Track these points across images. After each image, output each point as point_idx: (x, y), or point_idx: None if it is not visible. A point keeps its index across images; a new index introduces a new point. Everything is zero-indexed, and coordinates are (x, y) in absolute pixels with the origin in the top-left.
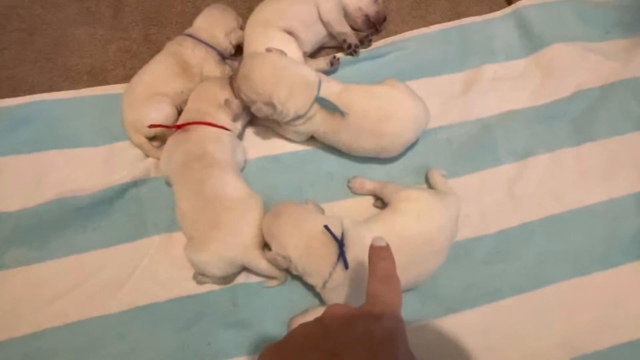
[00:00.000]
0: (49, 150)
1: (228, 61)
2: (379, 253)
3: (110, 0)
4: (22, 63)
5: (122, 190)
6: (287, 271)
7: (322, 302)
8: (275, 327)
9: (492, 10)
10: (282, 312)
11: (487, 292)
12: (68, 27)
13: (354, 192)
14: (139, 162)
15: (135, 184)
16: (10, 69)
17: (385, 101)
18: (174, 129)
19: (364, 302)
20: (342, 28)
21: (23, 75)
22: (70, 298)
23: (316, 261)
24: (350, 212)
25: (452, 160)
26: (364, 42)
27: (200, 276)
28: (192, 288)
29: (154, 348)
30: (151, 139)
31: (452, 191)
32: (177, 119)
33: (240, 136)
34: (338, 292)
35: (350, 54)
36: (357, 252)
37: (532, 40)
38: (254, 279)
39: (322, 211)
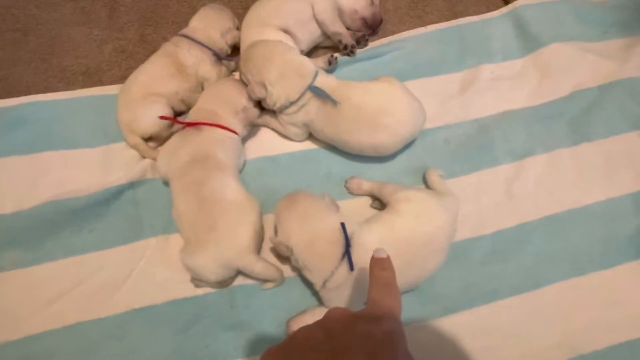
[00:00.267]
0: (45, 152)
1: (224, 62)
2: (380, 264)
3: (105, 0)
4: (16, 63)
5: (118, 192)
6: (282, 275)
7: (320, 303)
8: (274, 329)
9: (489, 10)
10: (280, 314)
11: (485, 292)
12: (63, 27)
13: (352, 193)
14: (135, 163)
15: (131, 185)
16: (4, 70)
17: (382, 96)
18: (176, 128)
19: (364, 307)
20: (337, 28)
21: (18, 75)
22: (67, 300)
23: (318, 258)
24: (348, 213)
25: (450, 161)
26: (361, 41)
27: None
28: (190, 290)
29: (152, 350)
30: (147, 139)
31: (451, 191)
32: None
33: (244, 139)
34: (337, 292)
35: (347, 55)
36: (360, 255)
37: (529, 40)
38: (251, 280)
39: (338, 207)
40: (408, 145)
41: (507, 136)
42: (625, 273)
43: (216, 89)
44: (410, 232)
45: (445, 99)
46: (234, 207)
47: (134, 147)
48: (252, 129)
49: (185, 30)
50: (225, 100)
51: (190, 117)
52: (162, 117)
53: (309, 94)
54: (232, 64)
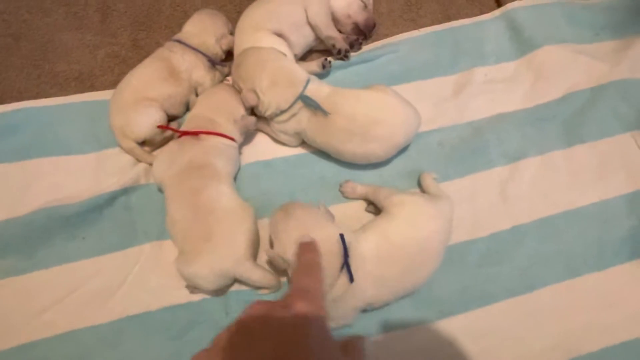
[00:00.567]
0: (37, 158)
1: (218, 67)
2: (305, 247)
3: (98, 4)
4: (8, 69)
5: (111, 198)
6: (279, 283)
7: None
8: None
9: (482, 12)
10: None
11: (481, 295)
12: (55, 32)
13: (346, 197)
14: (128, 169)
15: (124, 191)
16: None
17: (374, 106)
18: (170, 132)
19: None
20: (331, 32)
21: (9, 81)
22: (60, 308)
23: None
24: (343, 217)
25: (444, 164)
26: (355, 45)
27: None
28: (184, 296)
29: (147, 357)
30: (141, 144)
31: (445, 194)
32: (167, 124)
33: (240, 146)
34: (337, 304)
35: (341, 59)
36: (358, 265)
37: (522, 43)
38: (246, 286)
39: (333, 217)
40: (402, 148)
41: (501, 138)
42: (620, 274)
43: (215, 97)
44: (406, 238)
45: (439, 102)
46: (228, 216)
47: (128, 151)
48: (247, 134)
49: (179, 36)
50: (224, 109)
51: (187, 123)
52: (160, 127)
53: (300, 103)
54: (226, 69)
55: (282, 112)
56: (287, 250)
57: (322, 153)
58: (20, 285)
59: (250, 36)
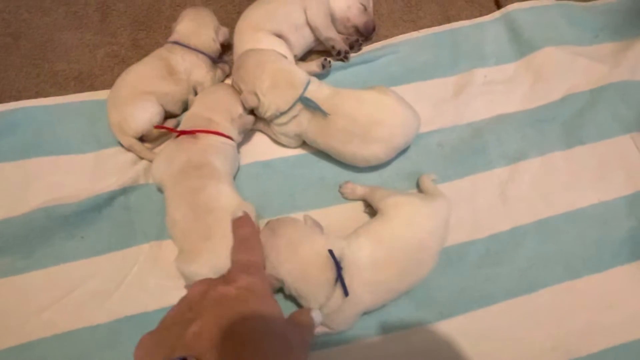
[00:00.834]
0: (36, 158)
1: (220, 65)
2: (238, 222)
3: (98, 4)
4: (7, 68)
5: (110, 198)
6: (278, 282)
7: None
8: None
9: (481, 14)
10: None
11: (480, 296)
12: (55, 31)
13: (346, 198)
14: (127, 168)
15: (123, 191)
16: None
17: (375, 107)
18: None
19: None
20: (330, 34)
21: (9, 81)
22: (58, 308)
23: (312, 287)
24: (342, 218)
25: (444, 165)
26: (354, 46)
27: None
28: None
29: None
30: (141, 140)
31: (442, 194)
32: (164, 118)
33: (238, 145)
34: (335, 316)
35: (341, 60)
36: (354, 274)
37: (522, 44)
38: None
39: (321, 228)
40: (402, 150)
41: (500, 140)
42: (619, 276)
43: (213, 96)
44: (400, 240)
45: (439, 103)
46: (229, 215)
47: (129, 147)
48: (246, 134)
49: (176, 37)
50: (221, 107)
51: (185, 123)
52: (157, 127)
53: (300, 105)
54: (227, 67)
55: (282, 113)
56: (279, 269)
57: (322, 154)
58: (18, 285)
59: (249, 37)
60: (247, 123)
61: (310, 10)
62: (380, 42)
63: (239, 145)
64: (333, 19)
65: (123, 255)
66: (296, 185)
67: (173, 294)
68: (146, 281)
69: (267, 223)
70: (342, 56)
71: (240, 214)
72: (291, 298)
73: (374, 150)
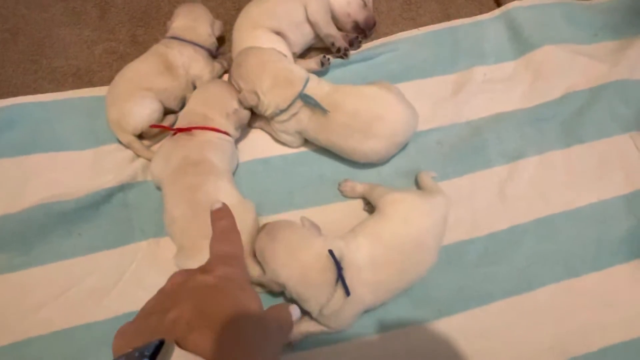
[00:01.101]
0: (34, 154)
1: (217, 59)
2: (218, 214)
3: (96, 0)
4: (5, 64)
5: (108, 195)
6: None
7: None
8: None
9: (481, 12)
10: None
11: (479, 294)
12: (53, 27)
13: (345, 196)
14: (125, 165)
15: (121, 188)
16: None
17: (376, 102)
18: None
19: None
20: (330, 31)
21: (7, 77)
22: (56, 305)
23: (313, 289)
24: (341, 216)
25: (443, 163)
26: (354, 43)
27: None
28: None
29: None
30: (140, 138)
31: (440, 190)
32: (162, 116)
33: (236, 141)
34: (336, 316)
35: (340, 57)
36: (353, 274)
37: (521, 43)
38: None
39: (319, 230)
40: (401, 147)
41: (499, 138)
42: (618, 275)
43: (206, 92)
44: (398, 238)
45: (438, 101)
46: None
47: (127, 145)
48: (245, 131)
49: (174, 32)
50: (216, 103)
51: (181, 119)
52: (153, 126)
53: (299, 103)
54: (225, 63)
55: (282, 111)
56: (279, 274)
57: (321, 151)
58: (16, 282)
59: (248, 34)
60: (242, 118)
61: (310, 6)
62: (379, 40)
63: (238, 142)
64: (333, 16)
65: (121, 252)
66: (295, 183)
67: None
68: (144, 278)
69: (263, 227)
70: (342, 53)
71: (218, 205)
72: (292, 300)
73: (374, 146)
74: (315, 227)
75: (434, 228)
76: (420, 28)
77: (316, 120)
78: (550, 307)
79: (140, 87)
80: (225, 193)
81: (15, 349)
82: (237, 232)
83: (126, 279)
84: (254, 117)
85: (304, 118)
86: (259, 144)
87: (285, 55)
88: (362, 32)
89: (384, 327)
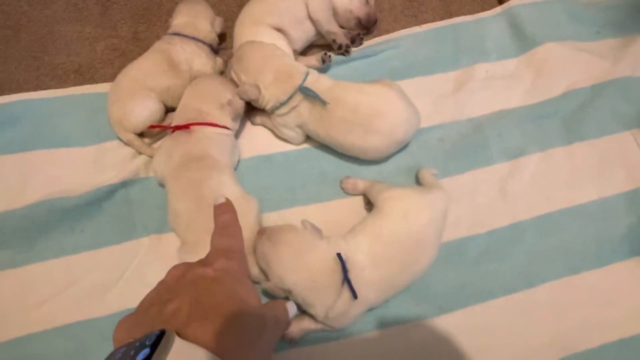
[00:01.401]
0: (36, 150)
1: (219, 54)
2: (220, 209)
3: None
4: (7, 61)
5: (110, 191)
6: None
7: None
8: None
9: (483, 9)
10: None
11: (479, 291)
12: (55, 24)
13: (347, 193)
14: (128, 162)
15: (124, 184)
16: None
17: (378, 99)
18: (167, 123)
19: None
20: (331, 27)
21: (8, 73)
22: (58, 301)
23: (320, 293)
24: (342, 213)
25: (444, 160)
26: (356, 40)
27: None
28: None
29: None
30: (141, 135)
31: (439, 185)
32: (164, 115)
33: (236, 134)
34: (341, 319)
35: (342, 54)
36: (357, 275)
37: (523, 40)
38: None
39: (320, 232)
40: (402, 145)
41: (501, 135)
42: (618, 272)
43: (198, 86)
44: (398, 234)
45: (440, 98)
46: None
47: (128, 143)
48: (246, 127)
49: (175, 29)
50: (209, 96)
51: (177, 115)
52: (151, 127)
53: (299, 96)
54: (225, 58)
55: (282, 104)
56: (285, 279)
57: (323, 148)
58: (18, 278)
59: (250, 31)
60: (238, 108)
61: (311, 3)
62: (381, 37)
63: (240, 138)
64: (334, 12)
65: (123, 248)
66: (296, 180)
67: None
68: (146, 275)
69: (263, 233)
70: (343, 50)
71: (222, 200)
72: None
73: (374, 142)
74: (317, 230)
75: (433, 223)
76: (422, 25)
77: (316, 114)
78: (551, 304)
79: (144, 87)
80: (228, 188)
81: (17, 344)
82: (239, 227)
83: (128, 275)
84: (256, 113)
85: (304, 112)
86: (260, 141)
87: (284, 52)
88: (364, 28)
89: (385, 324)
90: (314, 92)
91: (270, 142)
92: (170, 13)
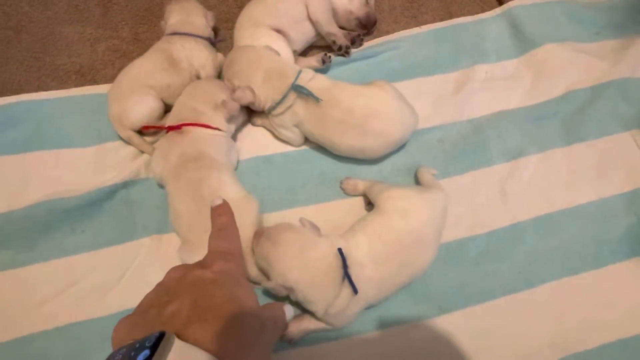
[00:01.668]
0: (37, 151)
1: (218, 48)
2: (217, 210)
3: None
4: (8, 62)
5: (111, 192)
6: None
7: None
8: None
9: (483, 10)
10: None
11: (479, 292)
12: (56, 25)
13: (347, 193)
14: (128, 162)
15: (124, 185)
16: None
17: (372, 100)
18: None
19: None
20: (331, 29)
21: (10, 74)
22: (59, 301)
23: (321, 289)
24: (342, 213)
25: (444, 160)
26: (356, 41)
27: None
28: None
29: None
30: (140, 133)
31: (438, 185)
32: (163, 113)
33: (233, 137)
34: (340, 316)
35: (342, 55)
36: (358, 273)
37: (523, 41)
38: None
39: (319, 230)
40: (402, 145)
41: (501, 136)
42: (618, 272)
43: (195, 86)
44: (397, 234)
45: (439, 99)
46: (232, 208)
47: (127, 140)
48: (246, 129)
49: (172, 28)
50: (204, 95)
51: (172, 112)
52: (145, 127)
53: (293, 94)
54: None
55: (277, 103)
56: (287, 277)
57: (322, 149)
58: (19, 278)
59: (249, 32)
60: (232, 110)
61: (311, 4)
62: (381, 38)
63: (240, 140)
64: (334, 13)
65: (124, 249)
66: (296, 181)
67: None
68: (147, 275)
69: (262, 234)
70: (343, 51)
71: (219, 201)
72: (296, 303)
73: (369, 143)
74: (315, 228)
75: (432, 222)
76: (422, 26)
77: (312, 114)
78: (550, 304)
79: (144, 85)
80: (229, 187)
81: (18, 344)
82: (236, 229)
83: (129, 275)
84: (255, 114)
85: (300, 111)
86: (260, 142)
87: (278, 53)
88: (363, 28)
89: (384, 324)
90: (307, 90)
91: (270, 143)
92: None
